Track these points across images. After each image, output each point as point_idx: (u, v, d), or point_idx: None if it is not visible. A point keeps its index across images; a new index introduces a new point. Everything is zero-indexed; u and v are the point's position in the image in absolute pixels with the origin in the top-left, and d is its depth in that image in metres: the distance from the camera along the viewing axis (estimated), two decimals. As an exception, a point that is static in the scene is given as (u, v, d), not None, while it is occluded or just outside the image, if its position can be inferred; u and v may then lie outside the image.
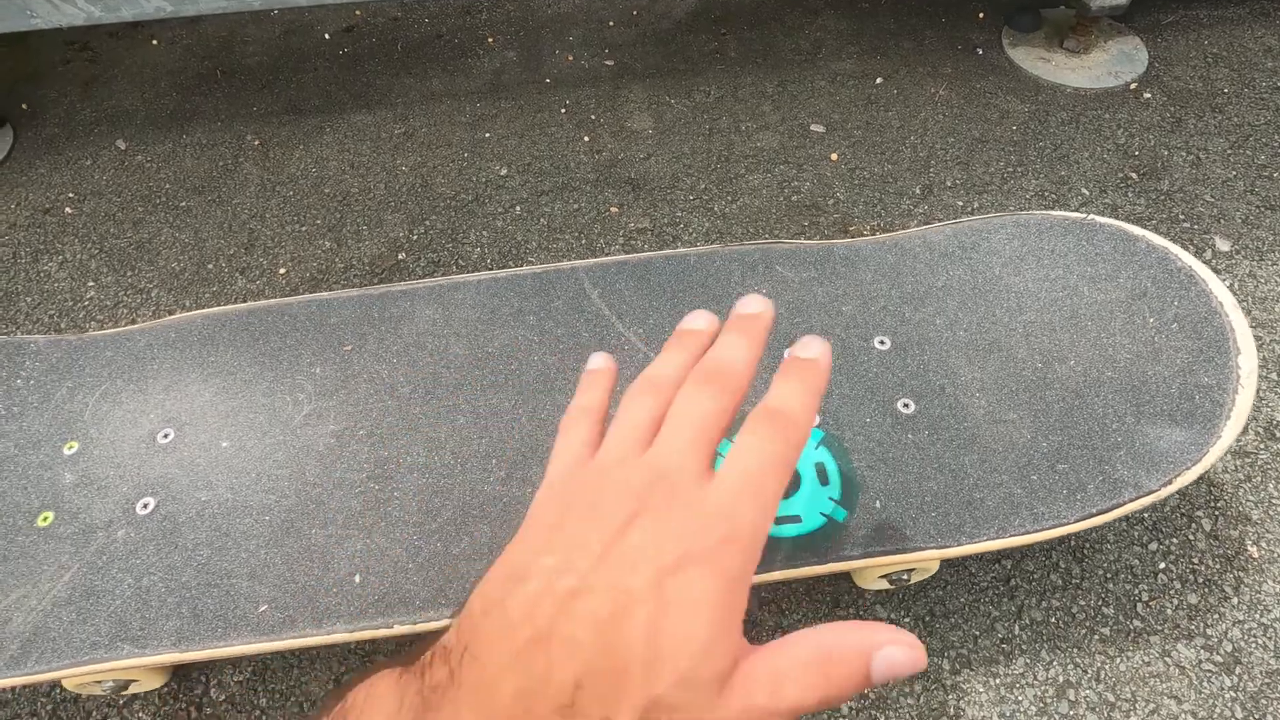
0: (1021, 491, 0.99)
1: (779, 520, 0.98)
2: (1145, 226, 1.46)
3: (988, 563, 1.22)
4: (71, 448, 1.08)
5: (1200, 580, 1.19)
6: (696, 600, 0.34)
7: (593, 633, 0.33)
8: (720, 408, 0.42)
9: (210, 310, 1.22)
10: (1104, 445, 1.01)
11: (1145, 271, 1.15)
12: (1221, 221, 1.62)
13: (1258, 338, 1.43)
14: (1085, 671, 1.13)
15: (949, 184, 1.73)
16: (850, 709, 1.12)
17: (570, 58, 2.08)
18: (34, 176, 1.88)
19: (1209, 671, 1.12)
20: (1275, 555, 1.21)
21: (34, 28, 1.67)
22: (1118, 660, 1.14)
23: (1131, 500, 0.97)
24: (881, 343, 1.13)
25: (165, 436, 1.08)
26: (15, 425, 1.11)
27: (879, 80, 1.96)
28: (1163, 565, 1.21)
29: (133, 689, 1.07)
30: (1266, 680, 1.11)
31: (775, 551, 0.97)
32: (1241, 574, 1.19)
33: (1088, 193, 1.68)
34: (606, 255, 1.45)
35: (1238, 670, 1.12)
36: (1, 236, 1.76)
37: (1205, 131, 1.79)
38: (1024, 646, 1.15)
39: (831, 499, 1.00)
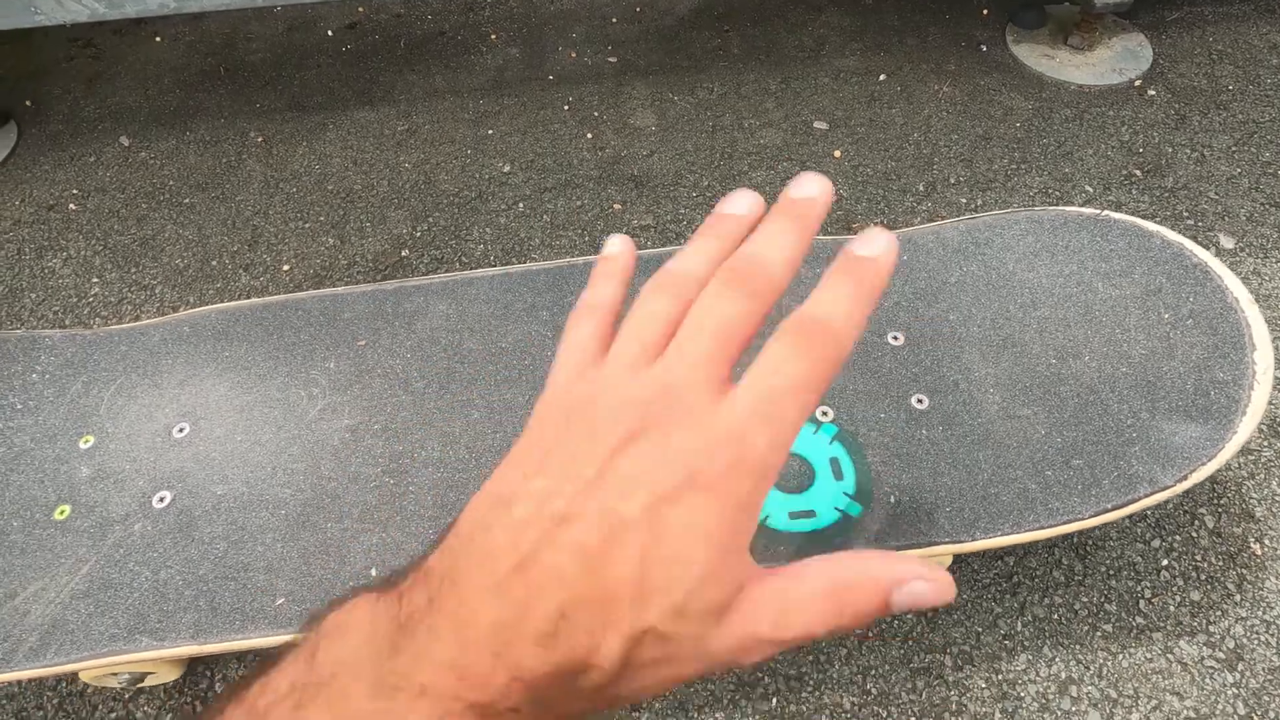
0: (1036, 487, 1.00)
1: (794, 515, 0.99)
2: (1151, 224, 1.48)
3: (991, 560, 1.22)
4: (87, 442, 1.08)
5: (1203, 577, 1.20)
6: (695, 528, 0.32)
7: (579, 562, 0.31)
8: (746, 312, 0.36)
9: (223, 305, 1.22)
10: (1119, 441, 1.02)
11: (1160, 267, 1.16)
12: (1226, 219, 1.62)
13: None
14: (1088, 668, 1.13)
15: (953, 181, 1.73)
16: (853, 704, 1.12)
17: (573, 54, 2.09)
18: (38, 173, 1.87)
19: (1211, 668, 1.13)
20: (1278, 553, 1.21)
21: (38, 24, 1.67)
22: (1120, 657, 1.14)
23: (1147, 495, 0.97)
24: (895, 338, 1.13)
25: (181, 431, 1.09)
26: (31, 419, 1.11)
27: (882, 77, 1.97)
28: (1165, 562, 1.21)
29: (149, 681, 1.07)
30: (1269, 677, 1.12)
31: (790, 547, 0.97)
32: (1244, 571, 1.20)
33: (1091, 189, 1.69)
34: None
35: (1240, 667, 1.13)
36: (6, 233, 1.76)
37: (1209, 128, 1.80)
38: (1026, 643, 1.16)
39: (846, 494, 1.00)
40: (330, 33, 2.18)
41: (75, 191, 1.83)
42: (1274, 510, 1.25)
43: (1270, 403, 1.35)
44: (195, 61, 2.13)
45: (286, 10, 2.23)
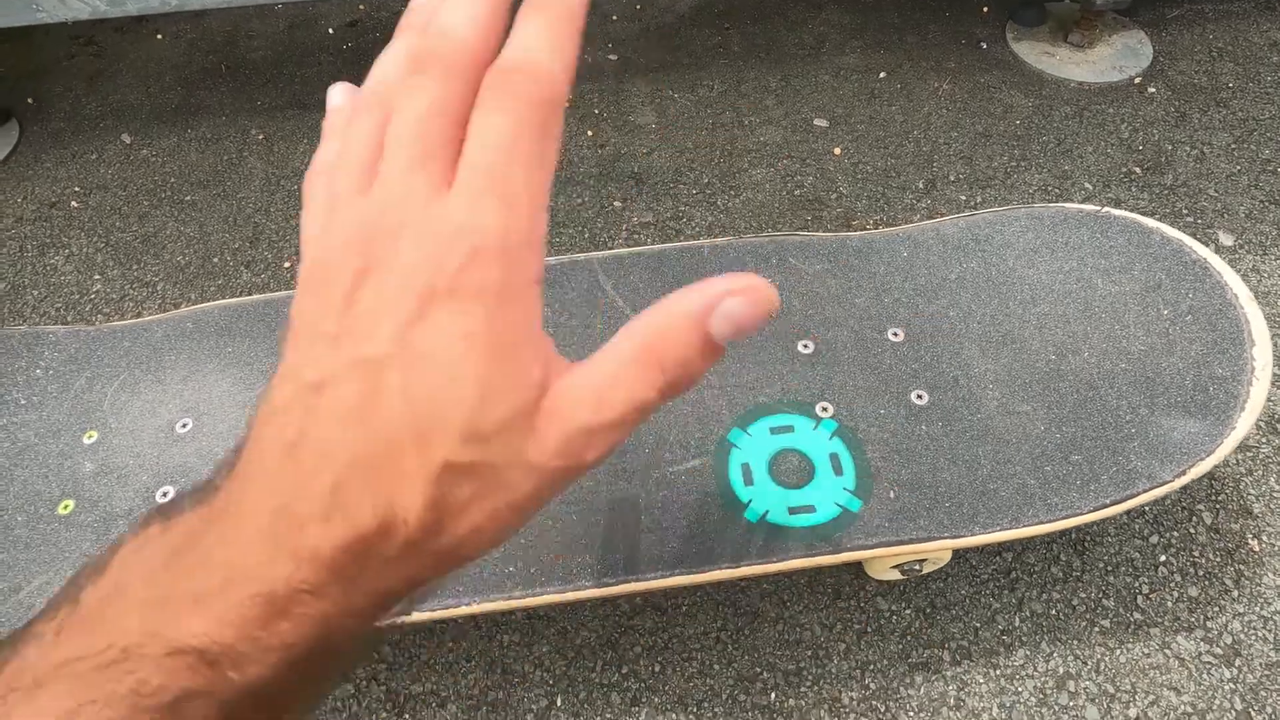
0: (1035, 482, 1.00)
1: (794, 510, 0.99)
2: (1150, 221, 1.48)
3: (989, 555, 1.23)
4: (91, 437, 1.09)
5: (1201, 573, 1.20)
6: (452, 341, 0.28)
7: (343, 426, 0.29)
8: (444, 95, 0.31)
9: (227, 301, 1.23)
10: (1118, 436, 1.02)
11: (1159, 264, 1.16)
12: (1225, 216, 1.63)
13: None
14: (1085, 663, 1.14)
15: (952, 178, 1.74)
16: (852, 699, 1.13)
17: (574, 52, 2.09)
18: (40, 170, 1.88)
19: (1209, 663, 1.13)
20: (1276, 549, 1.22)
21: (40, 22, 1.67)
22: (1118, 652, 1.15)
23: (1145, 491, 0.98)
24: (895, 334, 1.14)
25: (184, 426, 1.09)
26: (35, 414, 1.11)
27: (882, 75, 1.97)
28: (1163, 558, 1.22)
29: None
30: (1266, 672, 1.12)
31: (790, 541, 0.98)
32: (1242, 567, 1.20)
33: (1091, 187, 1.69)
34: (613, 249, 1.46)
35: (1237, 662, 1.13)
36: (8, 230, 1.76)
37: (1209, 126, 1.80)
38: (1024, 638, 1.16)
39: (846, 489, 1.01)
40: (331, 30, 2.19)
41: (77, 189, 1.83)
42: (1272, 506, 1.25)
43: (1269, 399, 1.35)
44: (197, 59, 2.13)
45: (288, 8, 2.23)
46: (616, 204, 1.73)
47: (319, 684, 0.33)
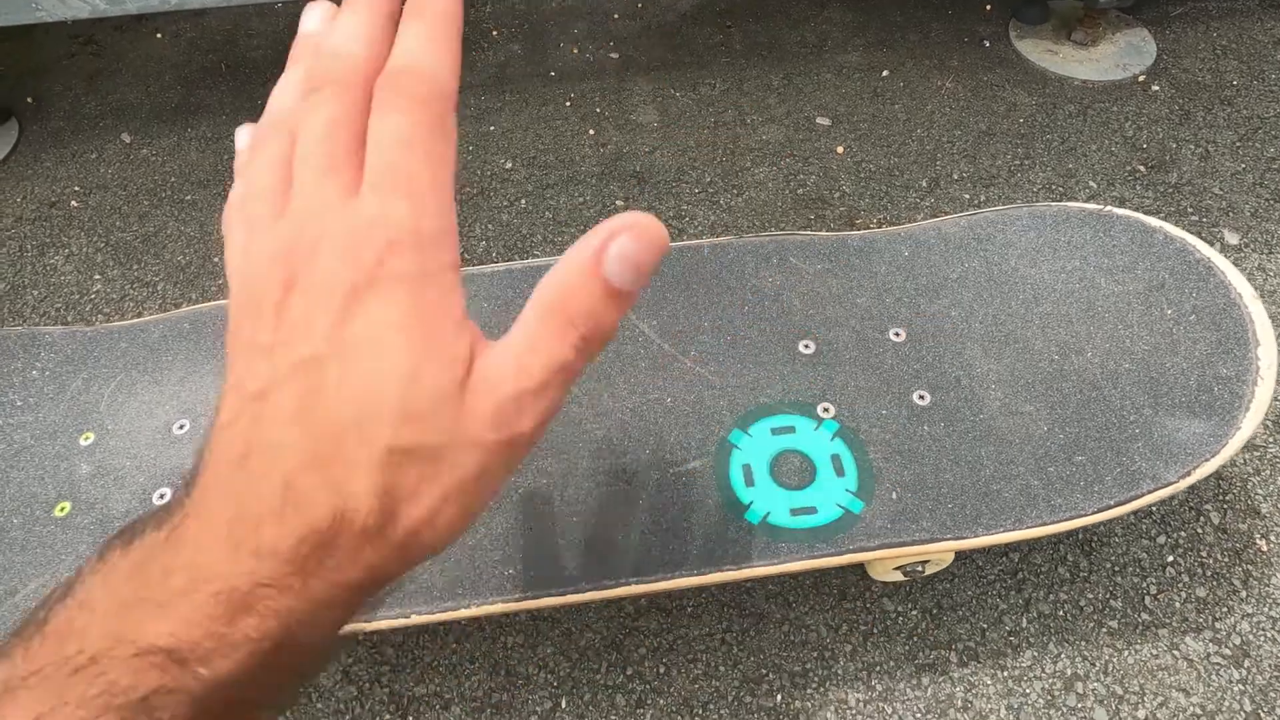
0: (1038, 483, 0.99)
1: (796, 512, 0.99)
2: (1155, 219, 1.47)
3: (995, 555, 1.22)
4: (88, 439, 1.08)
5: (1209, 574, 1.20)
6: (379, 329, 0.30)
7: (288, 428, 0.30)
8: (342, 108, 0.33)
9: (225, 301, 1.22)
10: (1121, 437, 1.02)
11: (1163, 263, 1.16)
12: (1230, 214, 1.62)
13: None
14: (1093, 664, 1.13)
15: (956, 177, 1.73)
16: (858, 700, 1.12)
17: (575, 51, 2.08)
18: (40, 170, 1.87)
19: (1217, 664, 1.12)
20: (1284, 548, 1.21)
21: (39, 21, 1.66)
22: (1126, 653, 1.14)
23: (1150, 492, 0.97)
24: (897, 334, 1.13)
25: (181, 428, 1.08)
26: (31, 416, 1.11)
27: (885, 73, 1.96)
28: (1171, 558, 1.21)
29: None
30: (1275, 673, 1.11)
31: (792, 543, 0.97)
32: (1250, 567, 1.20)
33: (1095, 185, 1.69)
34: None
35: (1246, 663, 1.12)
36: (8, 230, 1.76)
37: (1214, 124, 1.79)
38: (1032, 639, 1.16)
39: (848, 490, 1.00)
40: (332, 29, 2.18)
41: (77, 188, 1.83)
42: (1279, 506, 1.25)
43: (1274, 398, 1.34)
44: (196, 58, 2.13)
45: (288, 7, 2.23)
46: (618, 203, 1.72)
47: (291, 679, 0.33)
